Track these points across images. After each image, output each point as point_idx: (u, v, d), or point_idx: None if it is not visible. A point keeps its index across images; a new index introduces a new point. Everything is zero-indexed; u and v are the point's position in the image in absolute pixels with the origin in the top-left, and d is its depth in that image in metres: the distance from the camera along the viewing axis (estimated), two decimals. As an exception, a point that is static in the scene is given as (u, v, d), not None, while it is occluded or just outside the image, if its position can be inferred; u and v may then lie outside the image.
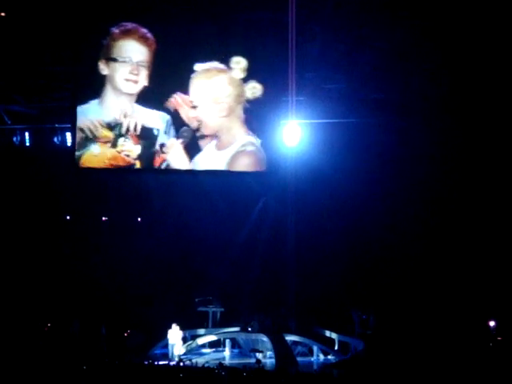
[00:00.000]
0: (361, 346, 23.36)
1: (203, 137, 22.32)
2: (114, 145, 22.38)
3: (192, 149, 22.40)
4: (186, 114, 22.28)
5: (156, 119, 22.34)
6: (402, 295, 25.03)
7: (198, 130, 22.29)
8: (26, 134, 25.38)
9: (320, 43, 21.42)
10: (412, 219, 25.31)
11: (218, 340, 25.79)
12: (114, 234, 28.53)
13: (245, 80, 22.14)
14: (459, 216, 24.87)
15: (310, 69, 22.26)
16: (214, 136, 22.36)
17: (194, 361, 20.61)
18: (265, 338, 24.04)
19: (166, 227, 28.11)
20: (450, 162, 24.14)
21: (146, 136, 22.33)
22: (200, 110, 22.25)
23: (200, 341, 25.03)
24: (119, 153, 22.39)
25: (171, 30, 21.93)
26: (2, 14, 20.75)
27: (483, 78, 21.84)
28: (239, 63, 22.08)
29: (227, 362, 23.43)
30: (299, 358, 23.80)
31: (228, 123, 22.33)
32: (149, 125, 22.31)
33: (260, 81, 22.05)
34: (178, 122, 22.30)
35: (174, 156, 22.43)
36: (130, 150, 22.34)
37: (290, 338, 24.67)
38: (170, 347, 23.79)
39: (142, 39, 22.09)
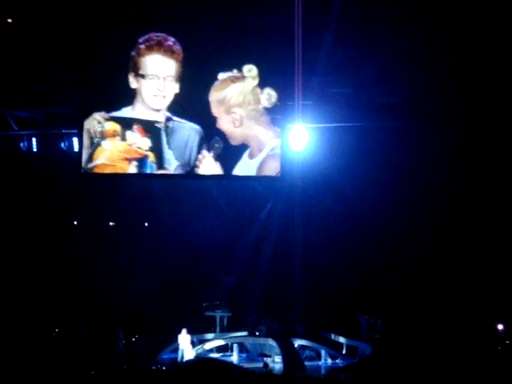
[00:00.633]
0: (369, 349, 23.33)
1: (232, 147, 22.27)
2: (124, 138, 22.33)
3: (224, 160, 22.34)
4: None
5: (188, 130, 22.31)
6: (410, 299, 25.03)
7: (227, 140, 22.26)
8: (33, 139, 25.50)
9: (327, 48, 21.43)
10: (420, 224, 25.29)
11: (226, 344, 25.72)
12: (122, 239, 28.50)
13: (260, 87, 22.12)
14: (467, 220, 24.82)
15: (317, 73, 22.24)
16: (244, 145, 22.31)
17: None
18: (272, 343, 23.99)
19: (173, 232, 28.10)
20: (459, 167, 24.03)
21: (150, 130, 22.25)
22: (220, 122, 22.28)
23: (208, 345, 25.04)
24: (130, 145, 22.36)
25: (197, 38, 21.86)
26: (9, 20, 20.83)
27: (492, 83, 21.81)
28: (251, 71, 22.11)
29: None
30: (307, 362, 23.75)
31: (250, 131, 22.27)
32: (182, 137, 22.24)
33: (273, 87, 22.07)
34: (209, 133, 22.26)
35: (206, 168, 22.31)
36: (140, 142, 22.31)
37: (297, 342, 24.67)
38: (180, 352, 23.71)
39: (169, 52, 22.00)
